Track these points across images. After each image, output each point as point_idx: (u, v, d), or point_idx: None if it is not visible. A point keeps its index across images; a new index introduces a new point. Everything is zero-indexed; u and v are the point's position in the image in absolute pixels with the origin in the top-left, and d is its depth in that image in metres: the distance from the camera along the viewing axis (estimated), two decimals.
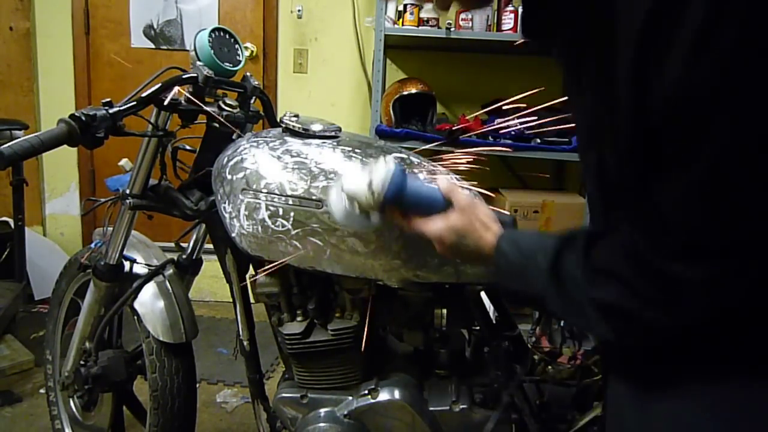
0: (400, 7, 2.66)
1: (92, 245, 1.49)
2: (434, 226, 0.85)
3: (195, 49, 1.23)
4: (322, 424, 1.15)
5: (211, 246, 1.32)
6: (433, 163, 1.10)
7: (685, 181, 0.51)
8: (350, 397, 1.16)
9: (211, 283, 3.01)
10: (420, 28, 2.63)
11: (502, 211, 0.92)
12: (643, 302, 0.58)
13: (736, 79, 0.47)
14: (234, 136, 1.26)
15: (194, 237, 1.51)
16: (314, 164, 1.07)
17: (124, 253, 1.38)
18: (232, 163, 1.12)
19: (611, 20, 0.52)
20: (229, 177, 1.10)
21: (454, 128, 2.57)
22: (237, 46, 1.31)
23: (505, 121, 2.66)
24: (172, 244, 1.50)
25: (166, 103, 1.14)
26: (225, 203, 1.11)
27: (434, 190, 0.90)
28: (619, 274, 0.60)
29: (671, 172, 0.52)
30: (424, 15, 2.63)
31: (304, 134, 1.16)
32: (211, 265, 1.50)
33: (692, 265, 0.54)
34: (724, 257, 0.53)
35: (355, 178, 0.89)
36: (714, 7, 0.45)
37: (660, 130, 0.51)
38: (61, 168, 3.22)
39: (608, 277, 0.61)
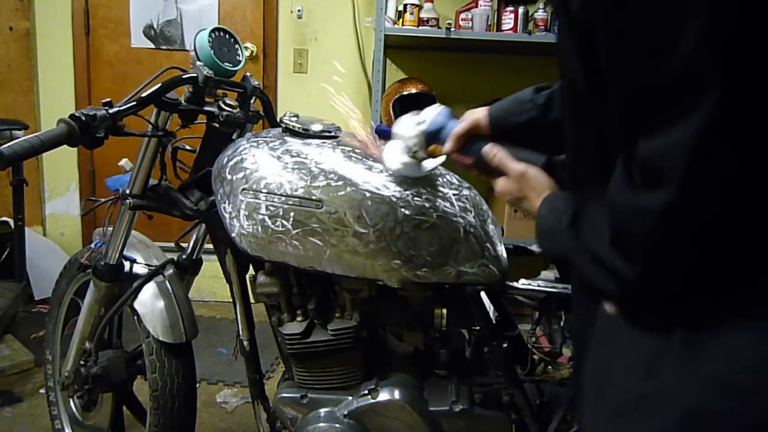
0: (400, 7, 2.65)
1: (92, 245, 1.49)
2: (516, 164, 0.86)
3: (195, 49, 1.23)
4: (322, 424, 1.15)
5: (211, 246, 1.32)
6: None
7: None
8: (350, 397, 1.16)
9: (211, 283, 3.01)
10: (420, 28, 2.63)
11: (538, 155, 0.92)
12: (645, 196, 0.58)
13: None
14: (234, 136, 1.26)
15: (194, 237, 1.51)
16: (314, 164, 1.07)
17: (124, 253, 1.38)
18: (232, 163, 1.12)
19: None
20: (229, 177, 1.11)
21: None
22: (237, 46, 1.31)
23: None
24: (172, 244, 1.50)
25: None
26: (225, 203, 1.11)
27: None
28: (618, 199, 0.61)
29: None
30: (424, 15, 2.63)
31: (304, 134, 1.16)
32: (211, 265, 1.50)
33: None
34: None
35: (407, 120, 0.99)
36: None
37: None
38: (61, 168, 3.22)
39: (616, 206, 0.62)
